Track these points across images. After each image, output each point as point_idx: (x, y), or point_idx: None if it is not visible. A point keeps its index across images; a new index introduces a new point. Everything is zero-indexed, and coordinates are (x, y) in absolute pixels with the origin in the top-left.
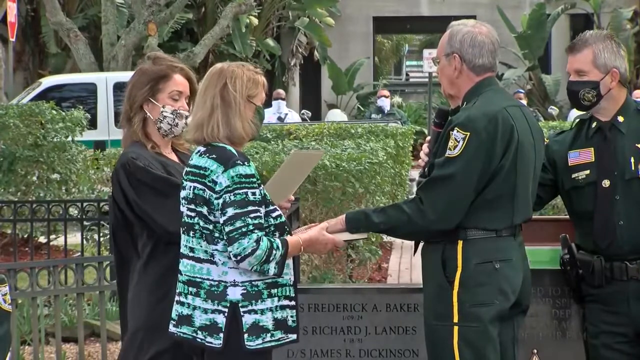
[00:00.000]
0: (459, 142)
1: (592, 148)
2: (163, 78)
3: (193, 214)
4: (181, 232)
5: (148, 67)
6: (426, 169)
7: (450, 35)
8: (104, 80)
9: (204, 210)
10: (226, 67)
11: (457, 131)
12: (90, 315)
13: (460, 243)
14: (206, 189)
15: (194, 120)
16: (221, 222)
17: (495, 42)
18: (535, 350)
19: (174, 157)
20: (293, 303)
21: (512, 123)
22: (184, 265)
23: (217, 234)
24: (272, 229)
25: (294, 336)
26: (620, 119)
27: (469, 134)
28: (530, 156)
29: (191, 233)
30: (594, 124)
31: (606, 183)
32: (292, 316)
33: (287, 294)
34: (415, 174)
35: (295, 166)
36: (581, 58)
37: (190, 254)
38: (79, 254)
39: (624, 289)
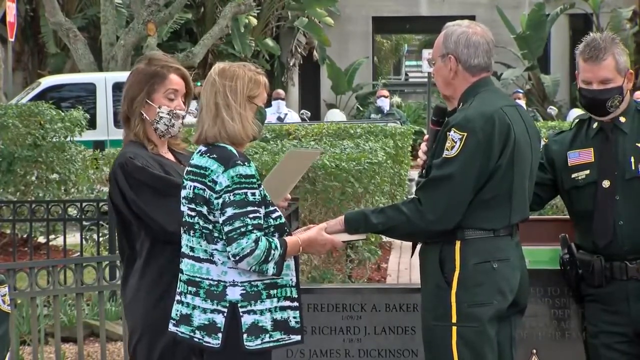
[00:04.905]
0: (456, 142)
1: (592, 148)
2: (158, 78)
3: (193, 214)
4: (182, 231)
5: (143, 67)
6: (424, 170)
7: (445, 36)
8: (103, 80)
9: (204, 209)
10: (228, 67)
11: (454, 132)
12: (89, 315)
13: (458, 243)
14: (206, 189)
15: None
16: (220, 222)
17: (490, 42)
18: (534, 350)
19: (170, 156)
20: (296, 304)
21: (508, 123)
22: (185, 264)
23: (216, 234)
24: (272, 229)
25: (298, 337)
26: (622, 119)
27: (466, 134)
28: (527, 155)
29: (191, 232)
30: (594, 125)
31: (606, 183)
32: (294, 317)
33: (288, 294)
34: (414, 174)
35: (291, 165)
36: (607, 66)
37: (191, 254)
38: (78, 254)
39: (623, 289)
